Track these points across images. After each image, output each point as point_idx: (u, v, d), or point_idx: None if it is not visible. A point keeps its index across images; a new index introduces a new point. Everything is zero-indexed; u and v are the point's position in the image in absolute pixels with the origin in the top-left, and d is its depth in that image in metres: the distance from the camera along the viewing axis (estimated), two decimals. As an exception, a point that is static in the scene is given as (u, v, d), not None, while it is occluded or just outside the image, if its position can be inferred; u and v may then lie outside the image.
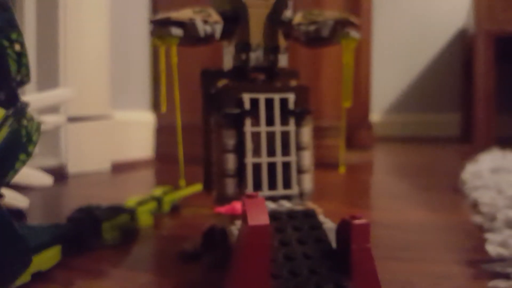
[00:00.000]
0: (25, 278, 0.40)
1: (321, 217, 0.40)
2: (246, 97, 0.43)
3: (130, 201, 0.65)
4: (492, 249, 0.46)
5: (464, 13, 2.70)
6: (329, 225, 0.37)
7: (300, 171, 0.45)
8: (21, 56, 0.37)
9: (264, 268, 0.30)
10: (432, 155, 1.87)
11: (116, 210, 0.57)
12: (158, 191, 0.72)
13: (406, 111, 3.02)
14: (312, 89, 0.51)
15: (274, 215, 0.35)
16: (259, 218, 0.30)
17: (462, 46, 2.79)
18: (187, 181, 0.76)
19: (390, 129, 2.99)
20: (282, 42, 0.46)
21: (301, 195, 0.45)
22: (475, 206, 0.73)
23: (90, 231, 0.53)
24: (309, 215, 0.36)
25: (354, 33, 0.44)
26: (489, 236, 0.50)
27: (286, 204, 0.41)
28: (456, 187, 0.93)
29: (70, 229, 0.51)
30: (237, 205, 0.41)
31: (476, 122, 2.06)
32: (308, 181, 0.45)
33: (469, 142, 2.21)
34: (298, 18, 0.45)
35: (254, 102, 0.44)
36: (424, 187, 0.97)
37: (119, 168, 1.35)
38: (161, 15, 0.42)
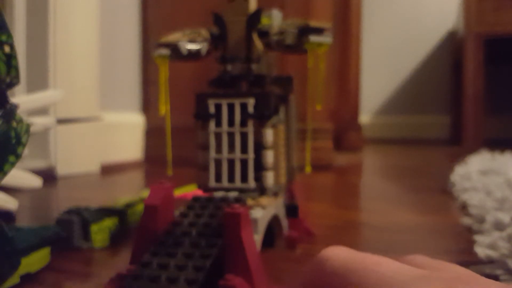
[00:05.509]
0: (13, 280, 0.40)
1: (256, 209, 0.44)
2: (211, 102, 0.49)
3: (119, 203, 0.64)
4: (481, 251, 0.46)
5: (453, 15, 2.72)
6: (254, 215, 0.43)
7: (263, 168, 0.48)
8: (11, 58, 0.37)
9: (151, 239, 0.36)
10: (421, 157, 1.88)
11: (105, 212, 0.57)
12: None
13: (395, 113, 3.03)
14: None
15: (191, 203, 0.41)
16: (153, 200, 0.38)
17: (451, 48, 2.81)
18: (182, 181, 0.77)
19: (379, 131, 3.00)
20: (256, 52, 0.50)
21: (264, 190, 0.48)
22: (464, 208, 0.73)
23: (79, 233, 0.53)
24: (220, 207, 0.39)
25: (314, 38, 0.48)
26: (478, 238, 0.50)
27: (228, 195, 0.44)
28: (445, 189, 0.94)
29: (59, 231, 0.51)
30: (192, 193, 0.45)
31: (465, 124, 2.07)
32: (270, 178, 0.48)
33: (458, 144, 2.23)
34: (275, 28, 0.50)
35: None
36: (413, 189, 0.98)
37: (108, 170, 1.35)
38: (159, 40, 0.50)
